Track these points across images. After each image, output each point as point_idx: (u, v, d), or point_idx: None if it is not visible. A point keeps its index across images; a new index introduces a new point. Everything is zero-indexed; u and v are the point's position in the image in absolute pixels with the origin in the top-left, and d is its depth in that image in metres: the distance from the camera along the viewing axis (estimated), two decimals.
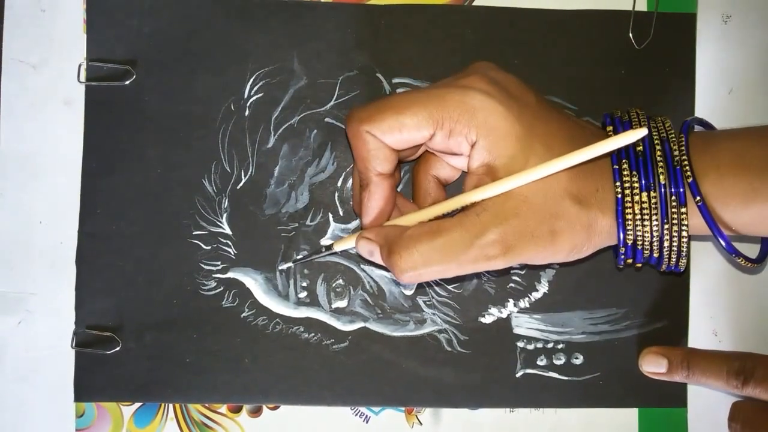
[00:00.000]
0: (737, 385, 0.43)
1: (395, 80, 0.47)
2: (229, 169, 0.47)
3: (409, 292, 0.47)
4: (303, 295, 0.47)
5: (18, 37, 0.47)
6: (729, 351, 0.47)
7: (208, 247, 0.47)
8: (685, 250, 0.39)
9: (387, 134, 0.38)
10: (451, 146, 0.38)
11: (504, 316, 0.47)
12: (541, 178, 0.36)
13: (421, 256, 0.36)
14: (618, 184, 0.38)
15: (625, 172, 0.38)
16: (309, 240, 0.47)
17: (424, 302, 0.47)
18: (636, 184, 0.38)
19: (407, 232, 0.37)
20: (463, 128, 0.37)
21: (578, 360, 0.47)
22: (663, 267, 0.40)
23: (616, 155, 0.38)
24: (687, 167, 0.37)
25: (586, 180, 0.38)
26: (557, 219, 0.37)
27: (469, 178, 0.38)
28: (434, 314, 0.47)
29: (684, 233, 0.38)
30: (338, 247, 0.43)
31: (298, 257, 0.46)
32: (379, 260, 0.39)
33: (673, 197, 0.38)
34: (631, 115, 0.41)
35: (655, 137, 0.39)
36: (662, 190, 0.38)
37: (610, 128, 0.40)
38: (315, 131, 0.47)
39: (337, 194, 0.47)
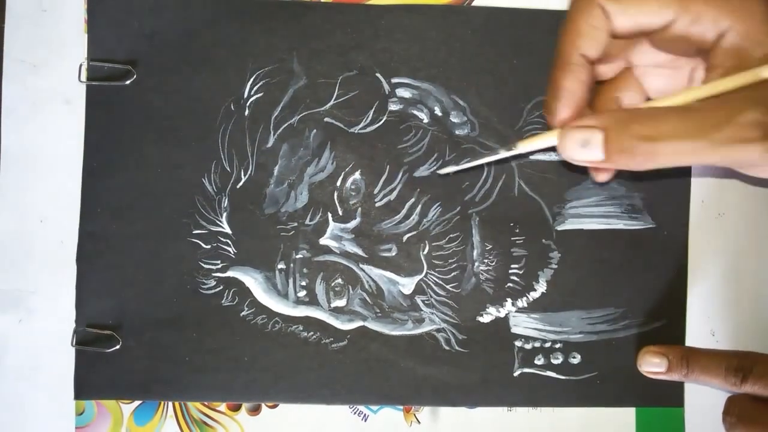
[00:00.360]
0: (736, 382, 0.43)
1: (395, 80, 0.47)
2: (228, 169, 0.47)
3: (407, 291, 0.47)
4: (302, 294, 0.47)
5: (19, 37, 0.47)
6: (727, 349, 0.47)
7: (208, 246, 0.47)
8: None
9: (623, 10, 0.33)
10: (691, 33, 0.33)
11: (502, 315, 0.47)
12: None
13: (668, 128, 0.31)
14: None
15: None
16: (308, 239, 0.47)
17: (423, 301, 0.47)
18: None
19: (645, 104, 0.33)
20: (713, 13, 0.33)
21: (576, 359, 0.47)
22: None
23: None
24: None
25: None
26: None
27: (711, 73, 0.34)
28: (433, 313, 0.47)
29: None
30: (524, 147, 0.37)
31: (464, 164, 0.42)
32: (592, 154, 0.33)
33: None
34: None
35: None
36: None
37: None
38: (314, 131, 0.47)
39: (336, 194, 0.47)
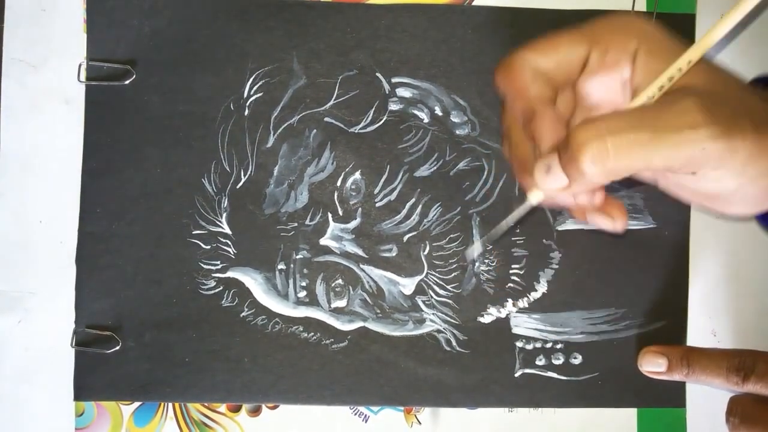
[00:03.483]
0: (737, 381, 0.43)
1: (395, 80, 0.47)
2: (228, 169, 0.47)
3: (408, 292, 0.47)
4: (302, 294, 0.47)
5: (18, 36, 0.47)
6: (728, 348, 0.47)
7: (208, 247, 0.47)
8: None
9: (541, 56, 0.36)
10: (608, 64, 0.36)
11: (503, 316, 0.47)
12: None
13: (609, 125, 0.31)
14: None
15: None
16: (308, 239, 0.47)
17: (423, 302, 0.47)
18: None
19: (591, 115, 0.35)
20: (620, 39, 0.35)
21: (577, 360, 0.47)
22: None
23: None
24: None
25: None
26: (753, 112, 0.33)
27: (635, 97, 0.35)
28: (433, 314, 0.47)
29: None
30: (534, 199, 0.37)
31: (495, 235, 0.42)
32: (557, 179, 0.34)
33: None
34: None
35: None
36: None
37: None
38: (314, 131, 0.47)
39: (336, 194, 0.47)
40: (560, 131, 0.35)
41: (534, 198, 0.36)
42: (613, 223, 0.37)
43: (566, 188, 0.34)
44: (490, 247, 0.47)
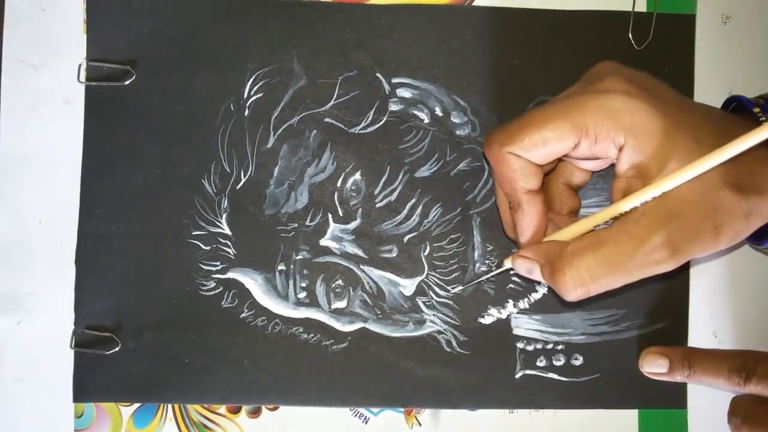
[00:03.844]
0: (739, 382, 0.43)
1: (395, 80, 0.47)
2: (228, 169, 0.47)
3: (408, 292, 0.47)
4: (302, 295, 0.47)
5: (18, 37, 0.47)
6: (729, 349, 0.47)
7: (208, 248, 0.47)
8: None
9: (531, 151, 0.37)
10: (596, 152, 0.37)
11: (503, 316, 0.47)
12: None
13: (587, 272, 0.36)
14: None
15: None
16: (308, 240, 0.47)
17: (424, 303, 0.47)
18: None
19: (568, 248, 0.37)
20: (609, 132, 0.36)
21: (578, 361, 0.47)
22: None
23: None
24: None
25: (739, 167, 0.37)
26: (718, 212, 0.36)
27: (617, 182, 0.38)
28: (434, 315, 0.47)
29: None
30: (508, 264, 0.42)
31: (470, 283, 0.47)
32: (538, 278, 0.39)
33: None
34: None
35: None
36: None
37: (761, 117, 0.40)
38: (315, 131, 0.47)
39: (336, 194, 0.47)
40: (542, 224, 0.40)
41: (509, 264, 0.42)
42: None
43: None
44: (491, 247, 0.47)
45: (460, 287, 0.47)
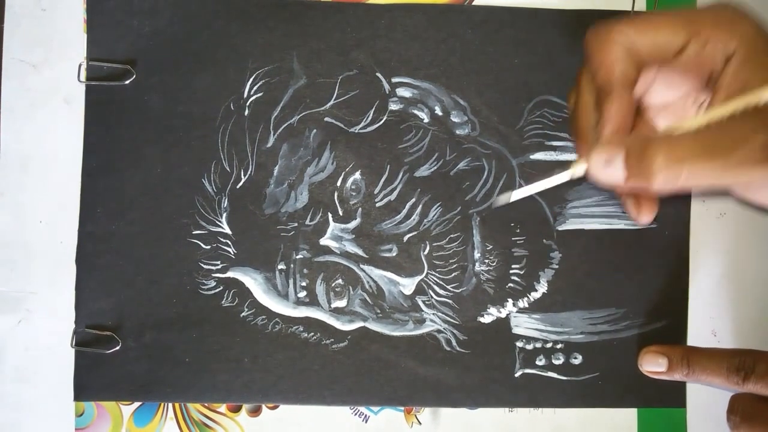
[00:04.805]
0: (738, 381, 0.43)
1: (395, 79, 0.47)
2: (228, 169, 0.47)
3: (408, 292, 0.47)
4: (302, 294, 0.47)
5: (18, 36, 0.47)
6: (728, 348, 0.47)
7: (208, 247, 0.47)
8: None
9: (641, 35, 0.36)
10: (702, 59, 0.36)
11: (503, 316, 0.47)
12: None
13: (684, 150, 0.33)
14: None
15: None
16: (308, 239, 0.47)
17: (423, 302, 0.47)
18: None
19: (663, 132, 0.35)
20: (722, 35, 0.35)
21: (577, 360, 0.47)
22: None
23: None
24: None
25: None
26: None
27: (717, 95, 0.36)
28: (433, 314, 0.47)
29: None
30: (576, 171, 0.38)
31: (520, 195, 0.41)
32: (617, 173, 0.35)
33: None
34: None
35: None
36: None
37: None
38: (314, 131, 0.47)
39: (336, 194, 0.47)
40: (629, 120, 0.36)
41: (579, 170, 0.37)
42: (639, 215, 0.39)
43: (619, 182, 0.35)
44: (491, 247, 0.47)
45: (510, 195, 0.41)
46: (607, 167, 0.35)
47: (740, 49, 0.35)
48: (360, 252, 0.47)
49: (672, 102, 0.39)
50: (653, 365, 0.46)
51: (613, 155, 0.35)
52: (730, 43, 0.35)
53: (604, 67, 0.37)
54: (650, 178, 0.33)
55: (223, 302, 0.47)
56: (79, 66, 0.47)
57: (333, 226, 0.47)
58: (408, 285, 0.47)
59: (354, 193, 0.47)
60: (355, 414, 0.47)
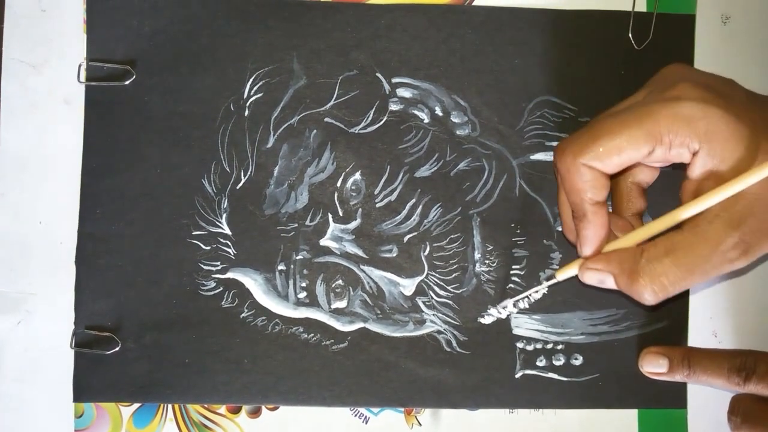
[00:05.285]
0: (739, 382, 0.43)
1: (395, 80, 0.47)
2: (228, 169, 0.47)
3: (408, 292, 0.47)
4: (302, 295, 0.47)
5: (18, 37, 0.47)
6: (729, 349, 0.47)
7: (208, 248, 0.47)
8: None
9: (605, 160, 0.37)
10: (670, 158, 0.38)
11: (503, 316, 0.47)
12: None
13: (666, 278, 0.37)
14: None
15: None
16: (308, 240, 0.47)
17: (424, 303, 0.47)
18: None
19: (643, 256, 0.37)
20: (684, 139, 0.36)
21: (578, 361, 0.47)
22: None
23: None
24: None
25: None
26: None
27: (688, 184, 0.38)
28: (434, 315, 0.47)
29: None
30: (561, 276, 0.43)
31: (518, 298, 0.46)
32: (610, 286, 0.39)
33: None
34: None
35: None
36: None
37: None
38: (315, 131, 0.47)
39: (336, 194, 0.47)
40: (605, 235, 0.40)
41: (567, 275, 0.42)
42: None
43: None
44: (491, 247, 0.47)
45: (511, 302, 0.46)
46: (600, 284, 0.40)
47: (703, 146, 0.36)
48: (360, 253, 0.47)
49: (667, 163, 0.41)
50: (654, 366, 0.46)
51: (605, 278, 0.40)
52: (693, 143, 0.36)
53: (573, 193, 0.39)
54: (642, 301, 0.38)
55: (222, 303, 0.47)
56: (79, 66, 0.47)
57: (333, 227, 0.47)
58: (408, 286, 0.47)
59: (354, 194, 0.47)
60: (355, 415, 0.47)
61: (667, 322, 0.47)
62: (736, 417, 0.44)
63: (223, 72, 0.47)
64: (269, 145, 0.47)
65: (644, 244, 0.38)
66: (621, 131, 0.37)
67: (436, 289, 0.47)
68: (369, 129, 0.47)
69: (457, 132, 0.47)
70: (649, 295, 0.37)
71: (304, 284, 0.47)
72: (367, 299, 0.47)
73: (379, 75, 0.47)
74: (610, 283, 0.39)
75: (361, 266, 0.47)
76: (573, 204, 0.40)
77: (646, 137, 0.36)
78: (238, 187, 0.47)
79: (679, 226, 0.38)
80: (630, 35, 0.47)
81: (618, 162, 0.37)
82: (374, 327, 0.47)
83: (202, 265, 0.47)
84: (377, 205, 0.47)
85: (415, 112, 0.47)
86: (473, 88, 0.47)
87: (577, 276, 0.41)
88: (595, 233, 0.40)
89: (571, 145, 0.38)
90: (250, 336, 0.47)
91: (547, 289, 0.45)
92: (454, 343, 0.47)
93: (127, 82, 0.47)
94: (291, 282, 0.47)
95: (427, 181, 0.47)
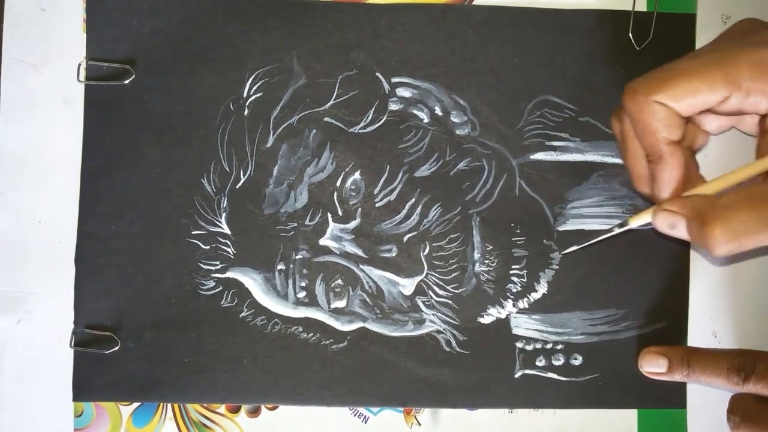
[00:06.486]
0: (738, 381, 0.43)
1: (395, 79, 0.47)
2: (228, 169, 0.47)
3: (408, 292, 0.47)
4: (302, 295, 0.47)
5: (18, 36, 0.47)
6: (728, 348, 0.47)
7: (207, 247, 0.47)
8: None
9: (680, 101, 0.36)
10: (745, 107, 0.36)
11: (503, 316, 0.47)
12: None
13: (743, 226, 0.35)
14: None
15: None
16: (308, 240, 0.47)
17: (423, 302, 0.47)
18: None
19: (720, 201, 0.36)
20: (763, 85, 0.35)
21: (577, 361, 0.47)
22: None
23: None
24: None
25: None
26: None
27: (764, 138, 0.37)
28: (433, 314, 0.47)
29: None
30: (634, 223, 0.41)
31: (583, 245, 0.45)
32: (682, 234, 0.38)
33: None
34: None
35: None
36: None
37: None
38: (314, 131, 0.47)
39: (336, 194, 0.47)
40: (683, 180, 0.38)
41: (642, 221, 0.41)
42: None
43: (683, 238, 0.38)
44: (490, 247, 0.47)
45: (575, 248, 0.45)
46: (671, 229, 0.38)
47: None
48: (359, 252, 0.47)
49: (721, 126, 0.41)
50: (653, 366, 0.46)
51: (676, 221, 0.37)
52: None
53: (648, 134, 0.38)
54: (711, 248, 0.35)
55: (222, 302, 0.47)
56: (79, 66, 0.47)
57: (332, 227, 0.47)
58: (408, 285, 0.47)
59: (354, 194, 0.47)
60: (355, 415, 0.47)
61: (667, 322, 0.47)
62: (736, 416, 0.44)
63: (223, 71, 0.47)
64: (269, 144, 0.47)
65: (722, 193, 0.37)
66: (699, 73, 0.36)
67: (436, 288, 0.47)
68: (369, 129, 0.47)
69: (457, 132, 0.47)
70: (720, 243, 0.35)
71: (303, 284, 0.47)
72: (367, 299, 0.47)
73: (378, 75, 0.47)
74: (681, 228, 0.37)
75: (361, 266, 0.47)
76: (648, 147, 0.38)
77: (724, 81, 0.35)
78: (237, 187, 0.47)
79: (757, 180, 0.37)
80: (630, 35, 0.47)
81: (693, 103, 0.36)
82: (374, 327, 0.47)
83: (202, 265, 0.47)
84: (377, 205, 0.47)
85: (415, 111, 0.47)
86: (473, 88, 0.47)
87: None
88: (672, 175, 0.38)
89: (644, 82, 0.37)
90: (249, 335, 0.47)
91: (617, 232, 0.43)
92: (454, 343, 0.47)
93: (126, 82, 0.47)
94: (290, 281, 0.47)
95: (426, 180, 0.47)
